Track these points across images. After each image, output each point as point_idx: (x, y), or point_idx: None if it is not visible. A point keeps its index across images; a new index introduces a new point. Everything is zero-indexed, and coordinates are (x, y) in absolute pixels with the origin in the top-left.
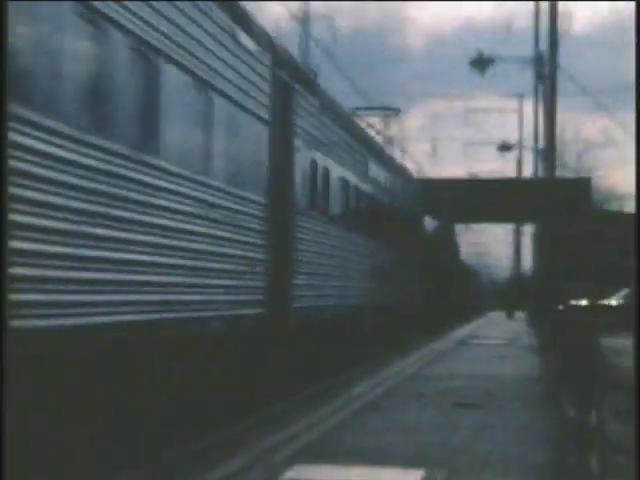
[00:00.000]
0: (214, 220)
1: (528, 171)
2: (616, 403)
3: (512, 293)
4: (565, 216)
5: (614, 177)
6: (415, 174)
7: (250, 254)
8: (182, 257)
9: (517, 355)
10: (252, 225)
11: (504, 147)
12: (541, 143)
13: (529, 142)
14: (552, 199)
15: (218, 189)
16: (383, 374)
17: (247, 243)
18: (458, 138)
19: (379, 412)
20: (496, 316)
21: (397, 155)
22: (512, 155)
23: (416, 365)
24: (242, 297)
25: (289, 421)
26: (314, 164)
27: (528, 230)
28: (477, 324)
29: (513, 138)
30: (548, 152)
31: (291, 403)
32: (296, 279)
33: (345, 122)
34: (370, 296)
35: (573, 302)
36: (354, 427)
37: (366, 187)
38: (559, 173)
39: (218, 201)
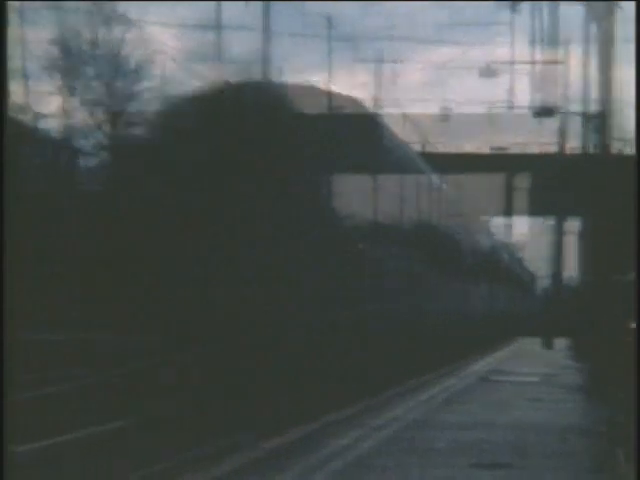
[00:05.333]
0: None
1: (573, 144)
2: None
3: (551, 312)
4: (627, 208)
5: None
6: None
7: None
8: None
9: (558, 398)
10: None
11: (541, 111)
12: (592, 107)
13: (575, 106)
14: (607, 183)
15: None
16: (374, 422)
17: None
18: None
19: (369, 474)
20: (527, 344)
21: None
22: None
23: (420, 409)
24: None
25: None
26: None
27: (572, 227)
28: (502, 354)
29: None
30: (601, 119)
31: None
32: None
33: None
34: None
35: (633, 325)
36: None
37: None
38: (617, 147)
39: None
